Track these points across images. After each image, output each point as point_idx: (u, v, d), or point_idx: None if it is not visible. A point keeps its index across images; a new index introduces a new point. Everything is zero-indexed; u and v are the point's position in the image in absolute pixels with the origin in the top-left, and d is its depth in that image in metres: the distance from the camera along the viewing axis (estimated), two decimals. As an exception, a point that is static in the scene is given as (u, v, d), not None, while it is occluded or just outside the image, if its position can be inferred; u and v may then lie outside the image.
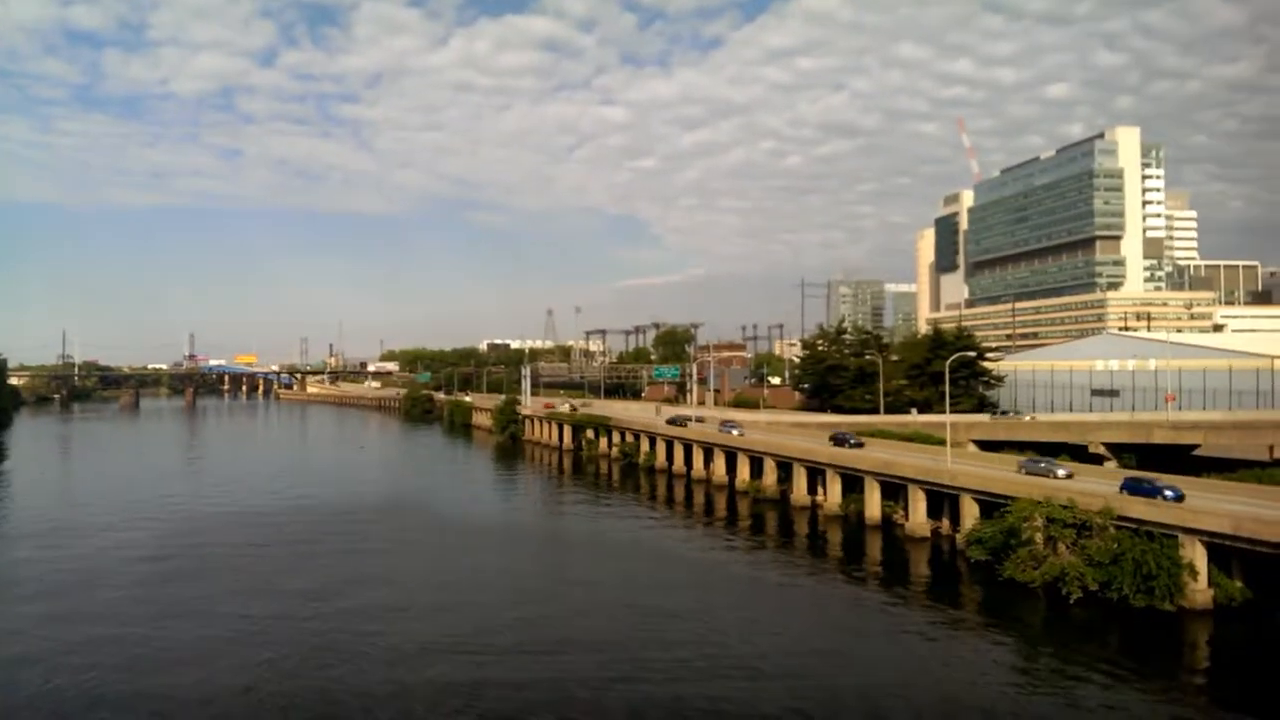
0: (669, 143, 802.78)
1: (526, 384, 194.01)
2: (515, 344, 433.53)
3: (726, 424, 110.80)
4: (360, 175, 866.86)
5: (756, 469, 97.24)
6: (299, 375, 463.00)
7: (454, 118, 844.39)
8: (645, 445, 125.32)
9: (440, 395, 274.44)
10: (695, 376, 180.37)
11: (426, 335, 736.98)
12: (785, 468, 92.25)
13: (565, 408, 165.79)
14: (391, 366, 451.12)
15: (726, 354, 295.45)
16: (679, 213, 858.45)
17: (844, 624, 51.63)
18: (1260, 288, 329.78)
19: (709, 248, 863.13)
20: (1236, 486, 62.83)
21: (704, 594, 57.25)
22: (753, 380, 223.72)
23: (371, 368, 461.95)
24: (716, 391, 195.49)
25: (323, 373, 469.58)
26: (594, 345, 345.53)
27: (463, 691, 39.23)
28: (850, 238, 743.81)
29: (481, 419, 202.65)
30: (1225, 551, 49.97)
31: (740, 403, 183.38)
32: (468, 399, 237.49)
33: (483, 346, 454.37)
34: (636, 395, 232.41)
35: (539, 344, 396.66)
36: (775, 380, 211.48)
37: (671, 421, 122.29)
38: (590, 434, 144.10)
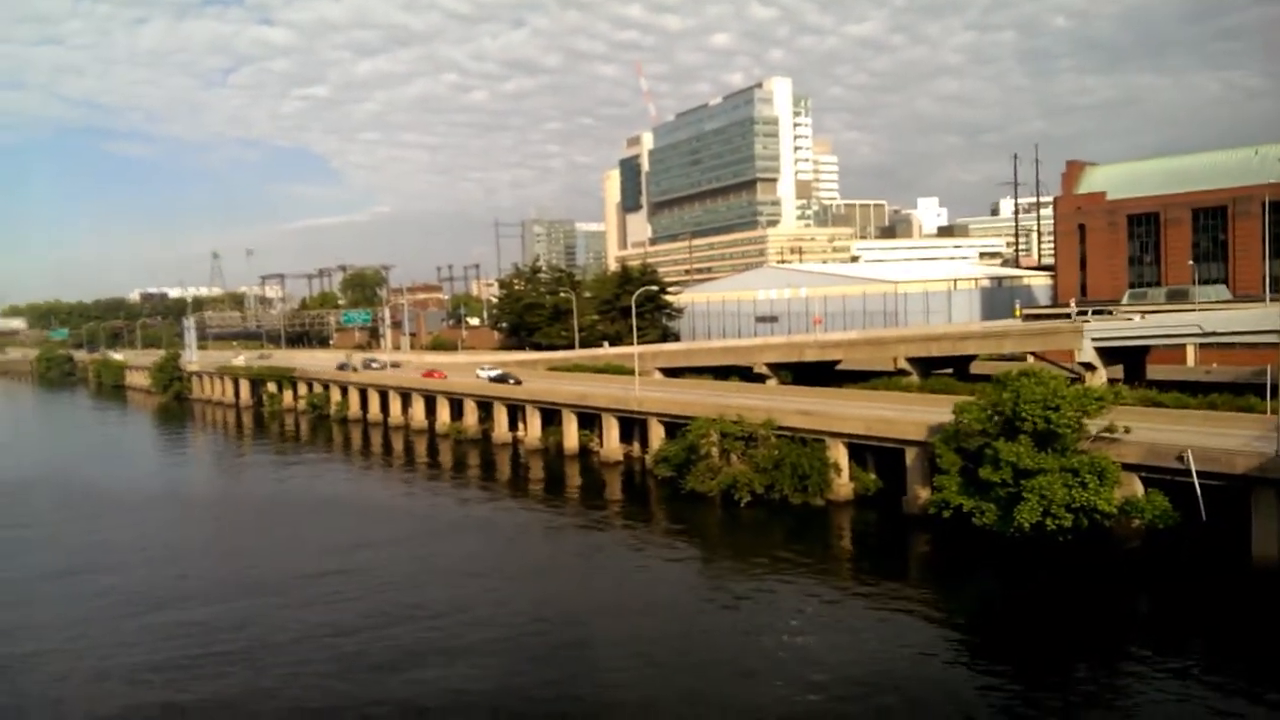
0: (343, 70, 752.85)
1: (191, 336, 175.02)
2: (175, 293, 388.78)
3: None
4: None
5: (457, 410, 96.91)
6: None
7: (76, 30, 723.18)
8: (337, 395, 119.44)
9: (83, 354, 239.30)
10: (389, 320, 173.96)
11: (62, 287, 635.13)
12: (486, 407, 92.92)
13: (240, 360, 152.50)
14: (17, 324, 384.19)
15: (422, 296, 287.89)
16: (360, 148, 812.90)
17: (546, 549, 53.85)
18: (887, 223, 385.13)
19: (396, 185, 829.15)
20: (871, 394, 73.73)
21: (403, 535, 56.55)
22: (450, 322, 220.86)
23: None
24: (413, 335, 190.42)
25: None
26: (271, 291, 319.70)
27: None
28: (540, 177, 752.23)
29: (137, 378, 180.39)
30: (862, 449, 58.92)
31: (438, 345, 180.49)
32: (119, 356, 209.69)
33: (134, 297, 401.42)
34: (324, 343, 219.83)
35: (205, 292, 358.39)
36: (474, 321, 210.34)
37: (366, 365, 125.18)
38: (273, 387, 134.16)
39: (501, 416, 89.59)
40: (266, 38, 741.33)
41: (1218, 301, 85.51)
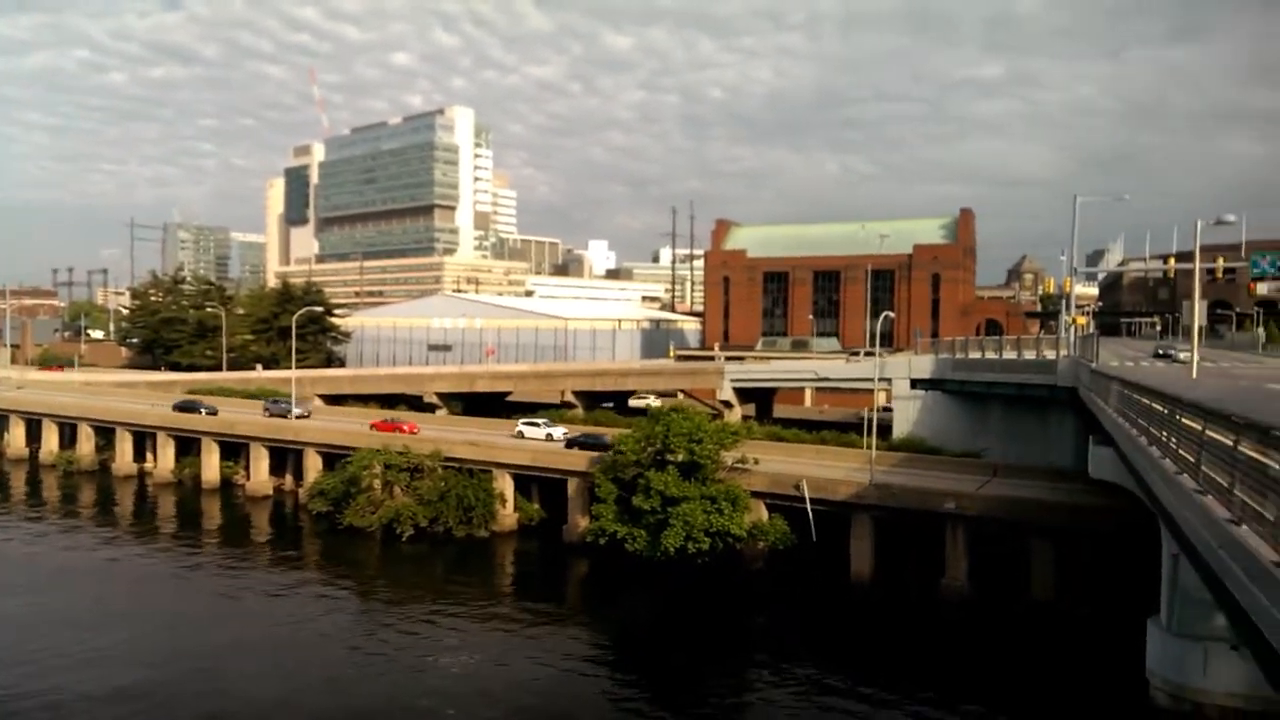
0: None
1: None
2: None
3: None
4: None
5: (68, 437, 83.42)
6: None
7: None
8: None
9: None
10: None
11: None
12: (106, 434, 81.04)
13: None
14: None
15: (30, 302, 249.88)
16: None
17: (174, 597, 47.90)
18: (560, 261, 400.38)
19: (5, 168, 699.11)
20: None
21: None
22: (67, 333, 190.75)
23: None
24: (15, 347, 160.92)
25: None
26: None
27: None
28: (189, 176, 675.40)
29: None
30: (527, 480, 60.14)
31: (49, 360, 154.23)
32: None
33: None
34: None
35: None
36: (98, 334, 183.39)
37: None
38: None
39: (125, 445, 78.69)
40: None
41: (830, 352, 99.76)
